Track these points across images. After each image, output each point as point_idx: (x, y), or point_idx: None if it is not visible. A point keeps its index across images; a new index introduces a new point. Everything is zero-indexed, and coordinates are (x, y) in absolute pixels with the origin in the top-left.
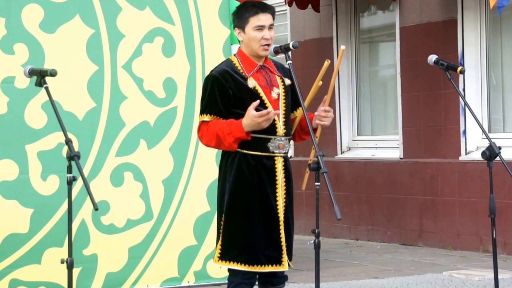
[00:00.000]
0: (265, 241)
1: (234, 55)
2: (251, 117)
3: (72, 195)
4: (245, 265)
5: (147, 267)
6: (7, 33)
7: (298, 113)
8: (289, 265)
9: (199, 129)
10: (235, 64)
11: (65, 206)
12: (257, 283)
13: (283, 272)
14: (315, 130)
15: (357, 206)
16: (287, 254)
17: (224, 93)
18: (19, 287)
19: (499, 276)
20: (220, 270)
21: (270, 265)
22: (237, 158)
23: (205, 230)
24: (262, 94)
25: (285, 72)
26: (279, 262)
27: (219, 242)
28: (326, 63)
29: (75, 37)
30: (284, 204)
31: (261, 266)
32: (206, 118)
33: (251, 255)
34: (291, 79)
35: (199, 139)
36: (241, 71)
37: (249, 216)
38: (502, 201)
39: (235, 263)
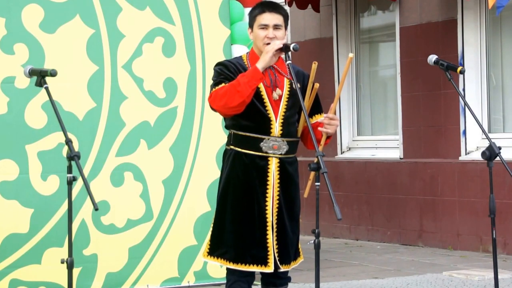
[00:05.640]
0: (251, 241)
1: (247, 53)
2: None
3: (72, 195)
4: (230, 262)
5: (147, 267)
6: (7, 33)
7: (315, 119)
8: (276, 267)
9: (210, 96)
10: (244, 60)
11: (65, 206)
12: (259, 283)
13: (286, 272)
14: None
15: (357, 206)
16: (282, 256)
17: (230, 79)
18: (19, 287)
19: (499, 276)
20: (220, 270)
21: (255, 265)
22: (232, 156)
23: (205, 230)
24: (263, 92)
25: (299, 77)
26: (264, 262)
27: (209, 238)
28: (314, 65)
29: (75, 37)
30: (277, 205)
31: (246, 265)
32: (223, 84)
33: (236, 253)
34: (291, 81)
35: (210, 105)
36: (248, 67)
37: (236, 214)
38: (502, 201)
39: (222, 259)
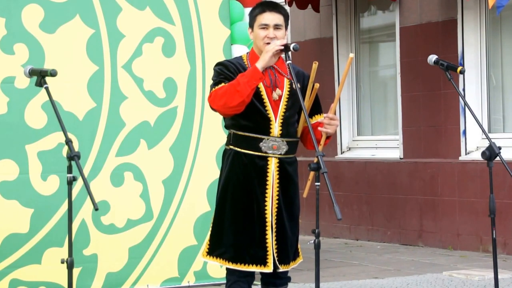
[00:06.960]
0: (250, 241)
1: (247, 53)
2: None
3: (72, 195)
4: (229, 262)
5: (147, 267)
6: (7, 33)
7: (315, 120)
8: (276, 267)
9: (210, 95)
10: (244, 60)
11: (65, 206)
12: (259, 283)
13: (286, 272)
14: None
15: (357, 206)
16: (281, 256)
17: (230, 79)
18: (19, 287)
19: (499, 276)
20: (220, 270)
21: (254, 265)
22: (231, 156)
23: (205, 230)
24: (263, 92)
25: (299, 77)
26: (263, 262)
27: (208, 237)
28: (314, 65)
29: (75, 37)
30: (276, 205)
31: (245, 265)
32: (222, 84)
33: (235, 253)
34: (291, 81)
35: (210, 105)
36: (248, 67)
37: (235, 214)
38: (502, 201)
39: (221, 259)
